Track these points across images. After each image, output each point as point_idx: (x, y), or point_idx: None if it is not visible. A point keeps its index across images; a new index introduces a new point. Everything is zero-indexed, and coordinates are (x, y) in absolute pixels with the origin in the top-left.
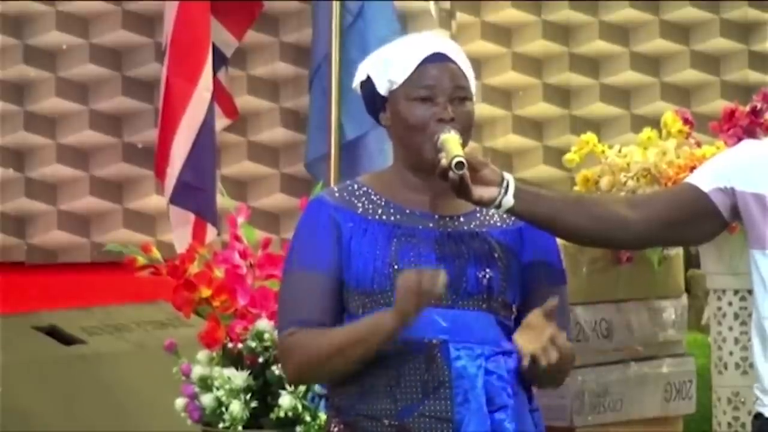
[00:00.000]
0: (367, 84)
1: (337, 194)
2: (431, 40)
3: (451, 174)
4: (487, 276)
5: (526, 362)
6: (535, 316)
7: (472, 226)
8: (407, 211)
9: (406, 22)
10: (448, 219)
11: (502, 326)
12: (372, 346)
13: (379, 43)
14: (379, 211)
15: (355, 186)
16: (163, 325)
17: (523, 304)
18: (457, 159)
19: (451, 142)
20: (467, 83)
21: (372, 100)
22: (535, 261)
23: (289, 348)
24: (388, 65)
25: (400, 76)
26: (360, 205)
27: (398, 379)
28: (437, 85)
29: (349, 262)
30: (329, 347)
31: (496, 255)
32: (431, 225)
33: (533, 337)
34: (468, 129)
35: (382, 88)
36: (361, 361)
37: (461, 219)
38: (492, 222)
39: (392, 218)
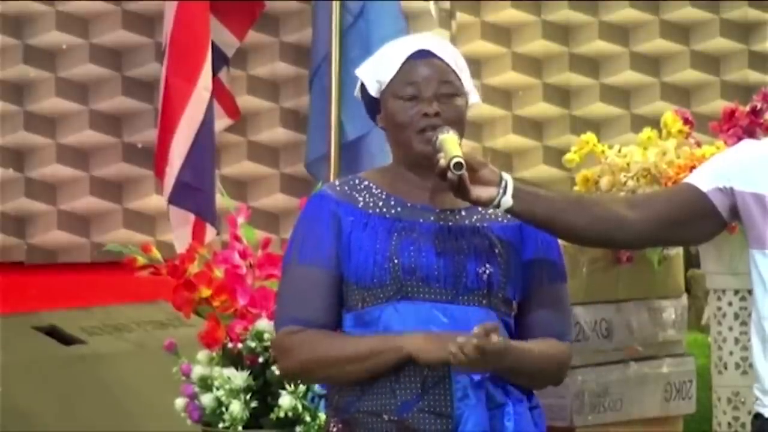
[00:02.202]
0: (362, 89)
1: (338, 188)
2: (417, 39)
3: (449, 174)
4: (487, 271)
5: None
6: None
7: (472, 220)
8: (408, 205)
9: (405, 22)
10: (448, 213)
11: (502, 322)
12: (382, 363)
13: (382, 43)
14: (380, 204)
15: (357, 181)
16: (163, 325)
17: (523, 301)
18: (455, 160)
19: (449, 143)
20: (455, 79)
21: (369, 103)
22: (536, 258)
23: (290, 346)
24: (376, 67)
25: (386, 75)
26: (361, 199)
27: (398, 374)
28: (422, 81)
29: (349, 256)
30: (340, 354)
31: (496, 251)
32: (432, 218)
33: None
34: (457, 124)
35: (373, 90)
36: (368, 374)
37: (462, 213)
38: (492, 217)
39: (393, 211)
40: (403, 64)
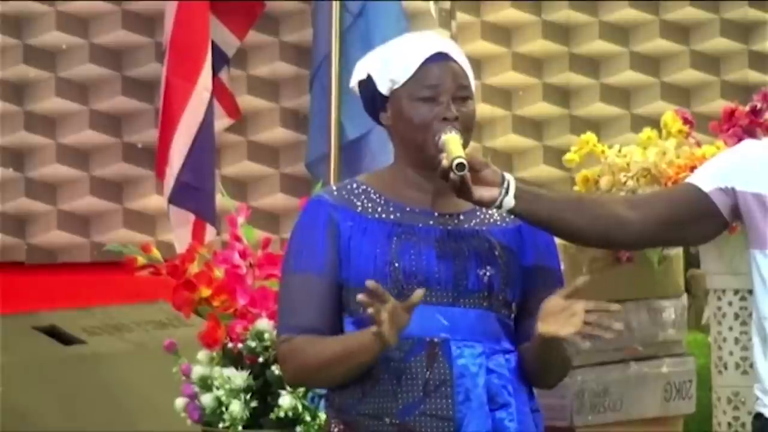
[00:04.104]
0: (367, 83)
1: (336, 193)
2: (432, 40)
3: (452, 175)
4: (488, 274)
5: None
6: (553, 302)
7: (472, 224)
8: (407, 209)
9: (407, 22)
10: (448, 217)
11: (502, 325)
12: (360, 362)
13: (383, 43)
14: (379, 210)
15: (354, 185)
16: (163, 325)
17: (522, 305)
18: (458, 160)
19: (452, 143)
20: (469, 83)
21: (372, 99)
22: (534, 263)
23: (284, 355)
24: (390, 64)
25: (402, 75)
26: (359, 203)
27: (400, 377)
28: (440, 84)
29: (349, 261)
30: (321, 359)
31: (496, 253)
32: (431, 222)
33: (558, 320)
34: (470, 128)
35: (384, 87)
36: (355, 372)
37: (461, 217)
38: (492, 220)
39: (392, 216)
40: (421, 65)
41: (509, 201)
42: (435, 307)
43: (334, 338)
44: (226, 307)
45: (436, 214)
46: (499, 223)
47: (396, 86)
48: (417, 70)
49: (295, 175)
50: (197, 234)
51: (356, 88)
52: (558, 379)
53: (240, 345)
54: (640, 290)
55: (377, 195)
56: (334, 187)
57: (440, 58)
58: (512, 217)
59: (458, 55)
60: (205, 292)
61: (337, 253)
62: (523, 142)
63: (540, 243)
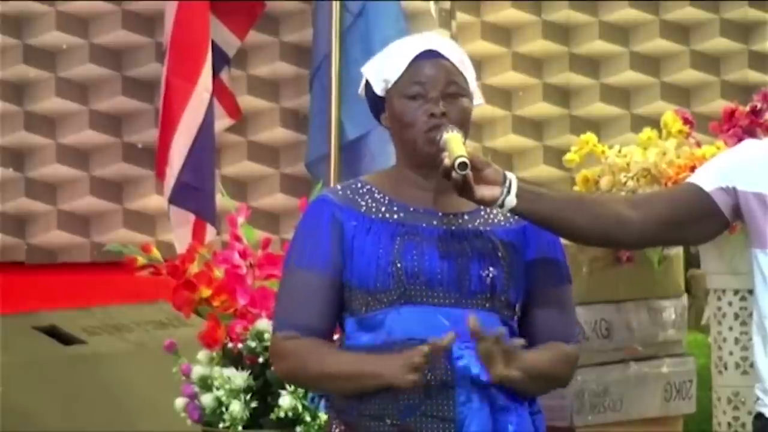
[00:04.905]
0: (367, 87)
1: (340, 192)
2: (424, 38)
3: (454, 174)
4: (490, 275)
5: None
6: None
7: (475, 224)
8: (411, 209)
9: (406, 22)
10: (451, 217)
11: (504, 326)
12: (364, 387)
13: (383, 42)
14: (383, 209)
15: (359, 185)
16: (163, 325)
17: (526, 304)
18: (460, 159)
19: (453, 142)
20: (462, 80)
21: (373, 102)
22: (539, 260)
23: (284, 352)
24: (383, 66)
25: (393, 74)
26: (363, 203)
27: None
28: (428, 81)
29: (352, 261)
30: (324, 371)
31: (499, 254)
32: (435, 222)
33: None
34: (462, 126)
35: (378, 89)
36: (352, 392)
37: (465, 217)
38: (496, 221)
39: (395, 216)
40: (410, 63)
41: (511, 200)
42: (437, 308)
43: (341, 354)
44: (226, 307)
45: (440, 214)
46: (503, 223)
47: (389, 86)
48: (407, 68)
49: (295, 175)
50: (197, 234)
51: (363, 94)
52: (549, 391)
53: (240, 345)
54: (640, 290)
55: (381, 195)
56: (339, 187)
57: (431, 55)
58: (516, 216)
59: (453, 53)
60: (205, 292)
61: (340, 253)
62: (523, 142)
63: (543, 240)
